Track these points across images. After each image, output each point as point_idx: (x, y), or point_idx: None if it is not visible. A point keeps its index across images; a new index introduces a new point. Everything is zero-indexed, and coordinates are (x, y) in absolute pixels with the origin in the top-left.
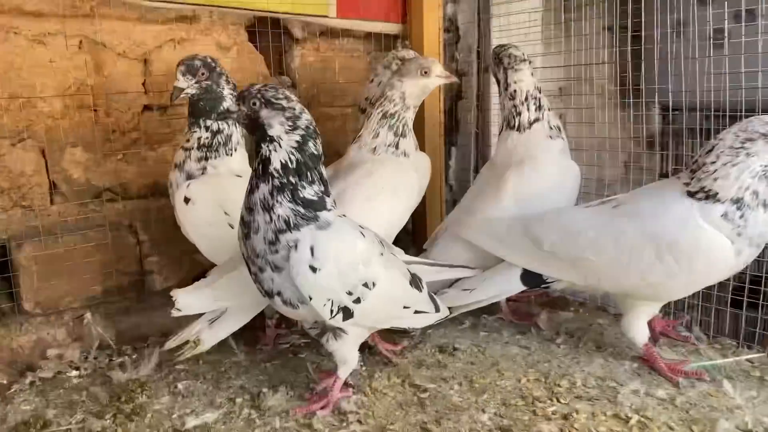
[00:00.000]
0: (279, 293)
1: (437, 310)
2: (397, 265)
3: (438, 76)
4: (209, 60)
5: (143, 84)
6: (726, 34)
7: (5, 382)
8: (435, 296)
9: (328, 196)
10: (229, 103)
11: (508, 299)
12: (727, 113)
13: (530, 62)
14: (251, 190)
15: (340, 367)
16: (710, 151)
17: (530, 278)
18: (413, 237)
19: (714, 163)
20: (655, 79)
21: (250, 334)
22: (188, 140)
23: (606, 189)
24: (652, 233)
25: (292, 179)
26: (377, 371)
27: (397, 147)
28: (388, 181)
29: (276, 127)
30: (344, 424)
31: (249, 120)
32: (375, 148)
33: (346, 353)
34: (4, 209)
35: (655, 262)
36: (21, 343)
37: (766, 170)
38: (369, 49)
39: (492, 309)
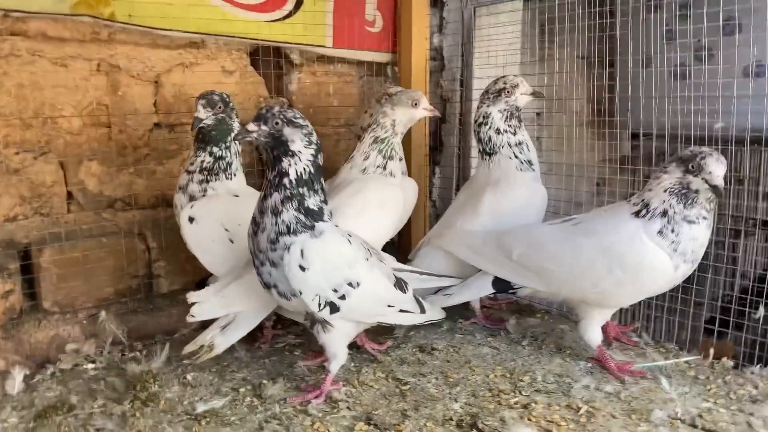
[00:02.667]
0: (275, 286)
1: (422, 311)
2: (382, 268)
3: (425, 109)
4: (225, 96)
5: (154, 104)
6: (689, 67)
7: (28, 372)
8: (421, 299)
9: (326, 205)
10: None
11: (482, 306)
12: (692, 139)
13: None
14: (265, 197)
15: (331, 361)
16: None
17: (500, 284)
18: (398, 248)
19: (649, 182)
20: (627, 106)
21: (250, 334)
22: (192, 164)
23: (577, 208)
24: (604, 248)
25: (301, 190)
26: (364, 367)
27: (384, 168)
28: (374, 196)
29: (297, 142)
30: (335, 410)
31: (272, 138)
32: (365, 168)
33: (337, 348)
34: (26, 216)
35: (606, 273)
36: (39, 338)
37: (673, 188)
38: (361, 73)
39: (467, 315)
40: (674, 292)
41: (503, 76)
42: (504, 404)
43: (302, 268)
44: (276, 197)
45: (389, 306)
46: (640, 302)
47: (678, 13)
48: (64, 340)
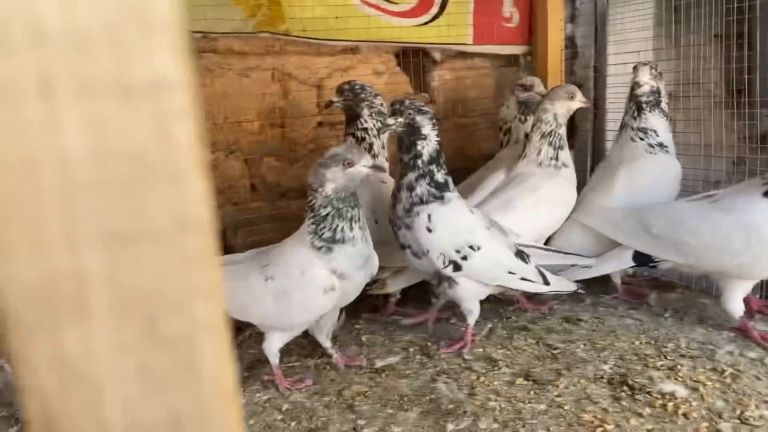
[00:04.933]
0: (409, 246)
1: (546, 283)
2: (502, 239)
3: (580, 101)
4: (356, 86)
5: (317, 105)
6: None
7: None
8: (545, 272)
9: (449, 176)
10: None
11: (623, 282)
12: None
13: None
14: (402, 176)
15: (467, 317)
16: None
17: (640, 258)
18: None
19: None
20: (765, 83)
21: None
22: None
23: (714, 187)
24: (742, 223)
25: (431, 167)
26: (515, 334)
27: (557, 159)
28: (549, 195)
29: (426, 127)
30: (496, 368)
31: (408, 127)
32: (540, 162)
33: (469, 304)
34: (221, 206)
35: (744, 247)
36: None
37: None
38: (497, 65)
39: (609, 291)
40: None
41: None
42: (651, 366)
43: (429, 230)
44: (411, 176)
45: (510, 273)
46: None
47: None
48: None
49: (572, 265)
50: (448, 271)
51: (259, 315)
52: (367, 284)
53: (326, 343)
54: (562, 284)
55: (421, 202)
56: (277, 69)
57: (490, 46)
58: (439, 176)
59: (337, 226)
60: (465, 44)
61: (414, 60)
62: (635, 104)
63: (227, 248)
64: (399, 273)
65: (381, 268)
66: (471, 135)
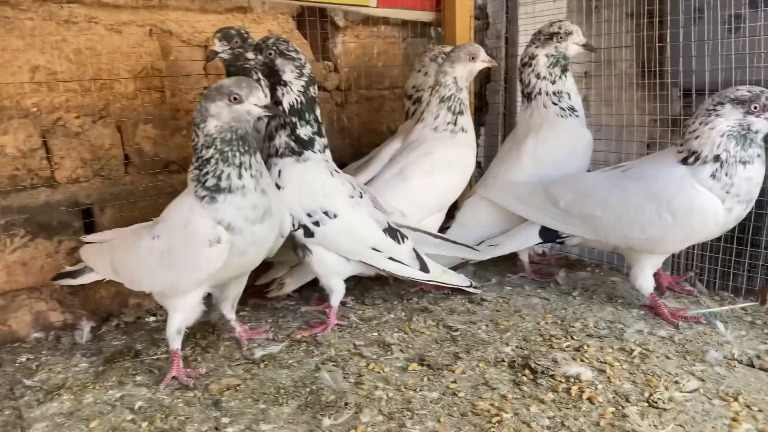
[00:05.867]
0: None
1: (424, 270)
2: (372, 212)
3: (483, 61)
4: (243, 32)
5: (204, 68)
6: (743, 19)
7: (94, 324)
8: (428, 260)
9: (320, 137)
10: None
11: (531, 261)
12: None
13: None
14: (267, 124)
15: (330, 296)
16: (693, 114)
17: (547, 234)
18: None
19: (693, 123)
20: (678, 61)
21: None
22: None
23: None
24: (653, 193)
25: (293, 119)
26: (415, 316)
27: (455, 124)
28: (444, 159)
29: (288, 73)
30: (389, 353)
31: (266, 67)
32: (436, 127)
33: (330, 282)
34: (87, 178)
35: (655, 218)
36: (103, 294)
37: (731, 130)
38: (405, 35)
39: (515, 270)
40: (729, 242)
41: (560, 21)
42: (556, 347)
43: (278, 186)
44: (272, 123)
45: (374, 249)
46: (693, 251)
47: None
48: (125, 295)
49: (480, 242)
50: (299, 235)
51: (149, 280)
52: (265, 285)
53: (229, 315)
54: (450, 277)
55: (277, 154)
56: (155, 25)
57: (395, 10)
58: (303, 132)
59: (222, 172)
60: (367, 6)
61: (317, 22)
62: (560, 67)
63: (92, 226)
64: (297, 270)
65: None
66: (378, 108)
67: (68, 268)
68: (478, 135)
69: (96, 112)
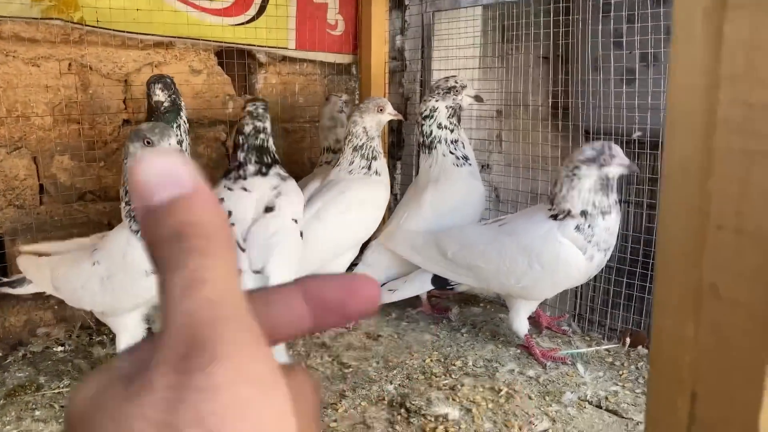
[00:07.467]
0: None
1: None
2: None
3: (389, 113)
4: (170, 78)
5: (124, 101)
6: (636, 74)
7: (1, 354)
8: None
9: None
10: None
11: (430, 295)
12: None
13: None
14: None
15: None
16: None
17: (438, 281)
18: None
19: (561, 191)
20: (579, 104)
21: None
22: None
23: (538, 200)
24: (524, 246)
25: None
26: (313, 352)
27: (369, 168)
28: (357, 197)
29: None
30: None
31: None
32: (351, 171)
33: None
34: (0, 208)
35: (527, 269)
36: (13, 322)
37: (595, 185)
38: (326, 73)
39: (415, 303)
40: (598, 282)
41: (454, 76)
42: (434, 386)
43: None
44: None
45: None
46: (572, 294)
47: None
48: (36, 324)
49: (382, 284)
50: None
51: (91, 300)
52: None
53: None
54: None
55: None
56: (74, 60)
57: (313, 53)
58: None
59: None
60: (286, 48)
61: (238, 61)
62: (457, 117)
63: (2, 257)
64: None
65: None
66: (299, 141)
67: (6, 279)
68: (394, 169)
69: (11, 143)
